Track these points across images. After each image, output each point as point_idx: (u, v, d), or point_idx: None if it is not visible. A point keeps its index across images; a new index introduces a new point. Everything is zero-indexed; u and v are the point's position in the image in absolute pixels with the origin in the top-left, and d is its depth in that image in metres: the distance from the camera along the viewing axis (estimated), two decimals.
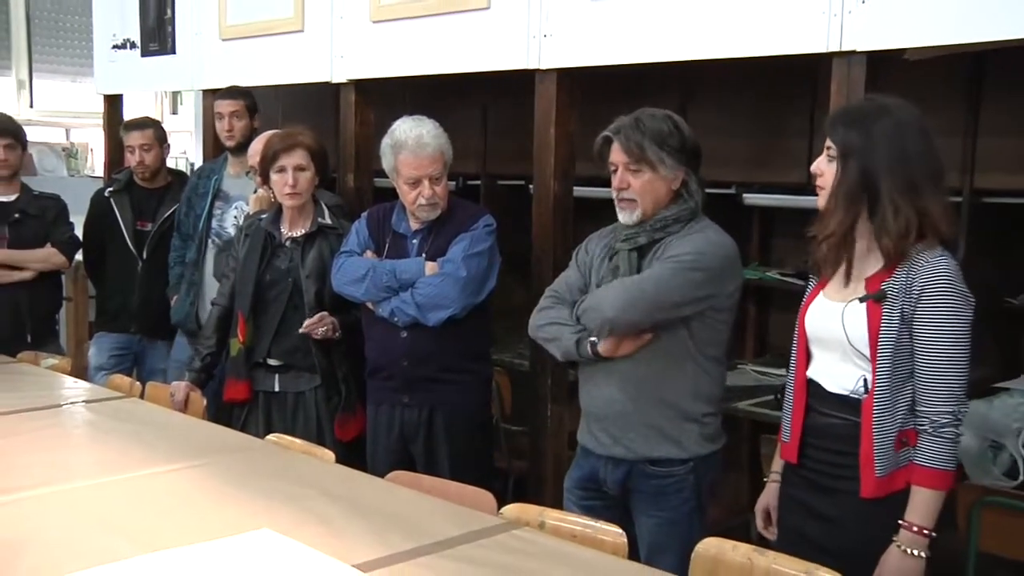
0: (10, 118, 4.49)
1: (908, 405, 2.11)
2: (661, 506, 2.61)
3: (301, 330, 3.25)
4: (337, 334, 3.28)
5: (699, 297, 2.53)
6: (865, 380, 2.14)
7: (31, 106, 7.53)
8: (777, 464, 2.38)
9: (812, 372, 2.26)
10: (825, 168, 2.18)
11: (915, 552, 2.07)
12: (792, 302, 3.71)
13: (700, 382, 2.61)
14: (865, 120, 2.14)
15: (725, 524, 2.52)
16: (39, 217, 4.36)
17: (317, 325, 3.24)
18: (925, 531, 2.07)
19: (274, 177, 3.30)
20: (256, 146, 3.59)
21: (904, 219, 2.07)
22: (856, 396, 2.15)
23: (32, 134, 5.30)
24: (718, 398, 2.69)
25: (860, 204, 2.12)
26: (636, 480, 2.64)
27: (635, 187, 2.59)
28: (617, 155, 2.60)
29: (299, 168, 3.27)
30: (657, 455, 2.60)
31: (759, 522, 2.43)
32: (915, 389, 2.10)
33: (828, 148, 2.18)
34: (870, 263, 2.15)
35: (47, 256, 4.34)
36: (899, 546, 2.08)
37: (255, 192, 3.69)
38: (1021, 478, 2.81)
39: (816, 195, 2.24)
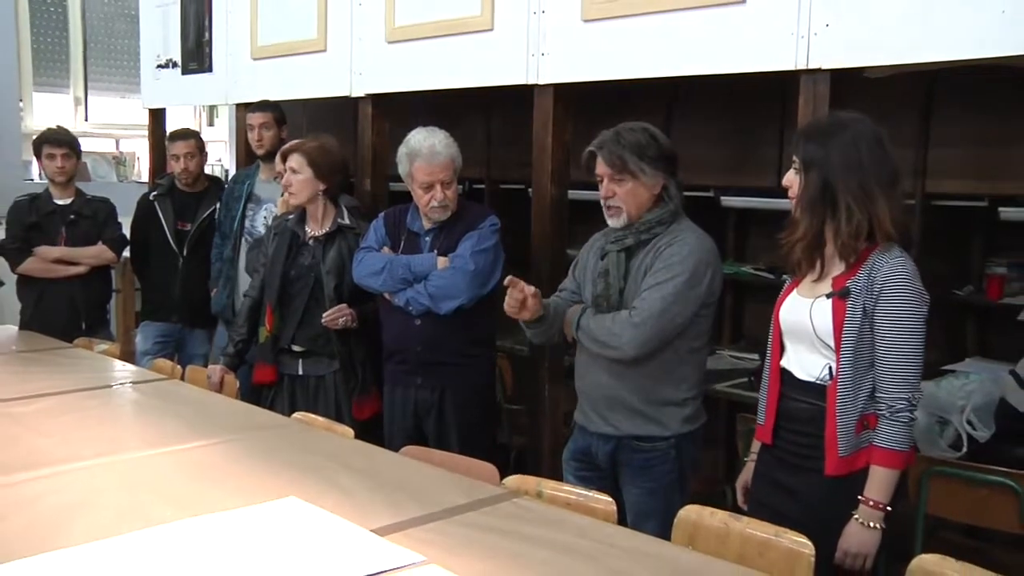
0: (67, 131, 4.51)
1: (869, 392, 2.10)
2: (646, 478, 2.61)
3: (323, 321, 3.24)
4: (354, 324, 3.27)
5: (696, 310, 2.54)
6: (830, 368, 2.13)
7: (86, 120, 7.54)
8: (755, 445, 2.37)
9: (785, 362, 2.24)
10: (793, 180, 2.18)
11: (872, 525, 2.07)
12: (764, 294, 3.72)
13: (681, 370, 2.60)
14: (824, 134, 2.15)
15: (704, 493, 2.51)
16: (91, 218, 4.37)
17: (336, 316, 3.23)
18: (881, 505, 2.06)
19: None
20: (279, 155, 3.60)
21: (856, 222, 2.08)
22: (822, 383, 2.15)
23: (86, 144, 5.31)
24: (698, 383, 2.67)
25: (823, 210, 2.12)
26: (623, 454, 2.63)
27: (620, 195, 2.58)
28: (602, 167, 2.60)
29: (292, 170, 3.30)
30: (641, 433, 2.59)
31: (739, 497, 2.42)
32: (875, 377, 2.09)
33: (794, 162, 2.18)
34: (837, 264, 2.14)
35: (99, 253, 4.35)
36: (858, 520, 2.08)
37: (283, 195, 3.69)
38: (964, 450, 2.81)
39: (788, 198, 2.24)
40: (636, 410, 2.59)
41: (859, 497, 2.09)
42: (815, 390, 2.15)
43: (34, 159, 4.85)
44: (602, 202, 2.63)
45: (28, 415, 2.75)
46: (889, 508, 2.07)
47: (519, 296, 2.57)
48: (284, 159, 3.36)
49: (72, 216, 4.34)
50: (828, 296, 2.13)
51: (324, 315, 3.24)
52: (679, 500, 2.40)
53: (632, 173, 2.56)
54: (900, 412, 2.06)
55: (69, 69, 7.41)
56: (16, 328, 4.27)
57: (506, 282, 2.60)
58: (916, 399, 2.08)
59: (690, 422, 2.63)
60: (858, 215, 2.07)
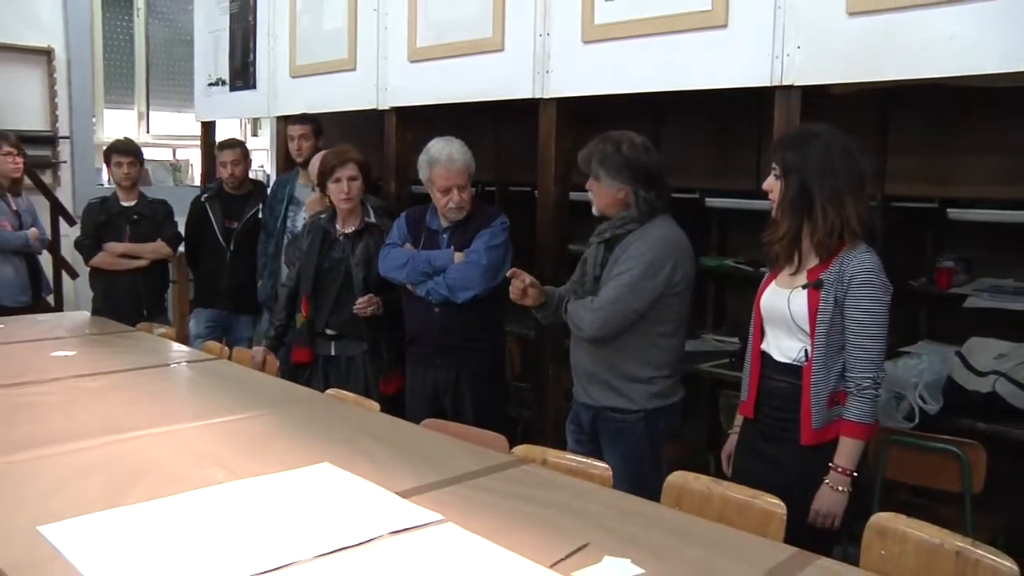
0: (132, 141, 4.55)
1: (839, 372, 2.08)
2: (619, 444, 2.61)
3: (354, 310, 3.22)
4: (381, 311, 3.25)
5: (654, 298, 2.52)
6: (805, 351, 2.11)
7: (148, 132, 7.60)
8: (738, 419, 2.35)
9: (765, 346, 2.22)
10: (773, 185, 2.15)
11: (840, 488, 2.06)
12: (744, 284, 3.70)
13: (649, 352, 2.58)
14: (800, 143, 2.12)
15: (689, 460, 2.50)
16: (151, 218, 4.39)
17: (366, 305, 3.22)
18: (849, 472, 2.05)
19: (331, 187, 3.27)
20: (314, 162, 3.57)
21: (831, 222, 2.05)
22: (798, 364, 2.12)
23: (148, 153, 5.34)
24: (669, 364, 2.63)
25: (801, 211, 2.09)
26: (601, 423, 2.64)
27: (592, 190, 2.64)
28: None
29: (351, 178, 3.26)
30: (612, 405, 2.60)
31: (724, 464, 2.40)
32: (845, 358, 2.07)
33: (773, 168, 2.15)
34: (811, 258, 2.12)
35: (158, 248, 4.37)
36: (829, 484, 2.07)
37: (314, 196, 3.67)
38: (916, 421, 2.80)
39: (765, 199, 2.23)
40: (607, 384, 2.60)
41: (829, 464, 2.07)
42: (792, 371, 2.14)
43: (104, 166, 4.87)
44: None
45: (99, 389, 2.75)
46: (856, 474, 2.06)
47: (520, 286, 2.62)
48: (332, 169, 3.25)
49: (135, 216, 4.35)
50: (804, 287, 2.11)
51: (355, 304, 3.22)
52: (649, 466, 2.40)
53: (594, 175, 2.59)
54: (866, 390, 2.04)
55: (134, 88, 7.49)
56: (88, 314, 4.29)
57: (508, 274, 2.65)
58: (880, 378, 2.06)
59: (659, 398, 2.61)
60: (832, 216, 2.05)
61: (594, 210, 2.66)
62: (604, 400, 2.61)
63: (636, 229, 2.57)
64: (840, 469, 2.06)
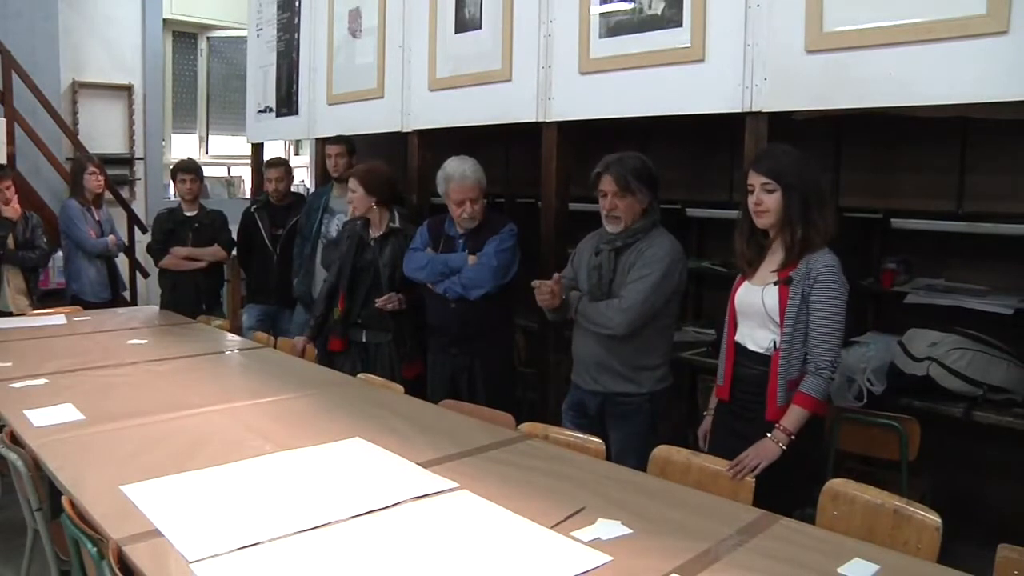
0: (194, 161, 4.55)
1: (802, 358, 2.05)
2: (626, 424, 2.56)
3: (376, 305, 3.20)
4: (403, 306, 3.22)
5: (668, 297, 2.49)
6: (774, 341, 2.08)
7: (207, 153, 7.64)
8: (712, 402, 2.31)
9: (739, 337, 2.19)
10: (766, 198, 2.08)
11: (778, 443, 2.00)
12: (718, 283, 3.66)
13: (653, 342, 2.54)
14: (792, 163, 2.07)
15: (672, 437, 2.47)
16: (210, 226, 4.38)
17: (386, 302, 3.19)
18: (789, 431, 2.00)
19: None
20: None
21: (820, 228, 2.04)
22: (767, 352, 2.09)
23: (207, 171, 5.33)
24: (668, 352, 2.61)
25: (803, 220, 2.05)
26: (609, 406, 2.59)
27: (620, 207, 2.52)
28: (608, 184, 2.52)
29: (351, 190, 3.28)
30: (622, 390, 2.55)
31: (701, 442, 2.36)
32: (808, 345, 2.04)
33: (765, 184, 2.07)
34: (791, 258, 2.09)
35: (215, 252, 4.36)
36: (770, 438, 2.01)
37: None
38: (864, 401, 2.78)
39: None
40: (620, 373, 2.54)
41: (775, 424, 2.03)
42: (762, 359, 2.11)
43: (171, 182, 4.89)
44: (603, 212, 2.56)
45: (166, 372, 2.77)
46: (794, 436, 2.00)
47: (545, 290, 2.54)
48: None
49: (196, 224, 4.34)
50: (775, 283, 2.08)
51: (377, 301, 3.20)
52: (653, 441, 2.36)
53: (632, 191, 2.50)
54: (823, 370, 2.02)
55: (196, 116, 7.53)
56: (157, 308, 4.31)
57: (534, 284, 2.57)
58: (837, 363, 2.03)
59: (661, 382, 2.58)
60: (819, 222, 2.04)
61: (617, 227, 2.52)
62: (615, 387, 2.55)
63: (643, 237, 2.52)
64: (783, 428, 2.01)
